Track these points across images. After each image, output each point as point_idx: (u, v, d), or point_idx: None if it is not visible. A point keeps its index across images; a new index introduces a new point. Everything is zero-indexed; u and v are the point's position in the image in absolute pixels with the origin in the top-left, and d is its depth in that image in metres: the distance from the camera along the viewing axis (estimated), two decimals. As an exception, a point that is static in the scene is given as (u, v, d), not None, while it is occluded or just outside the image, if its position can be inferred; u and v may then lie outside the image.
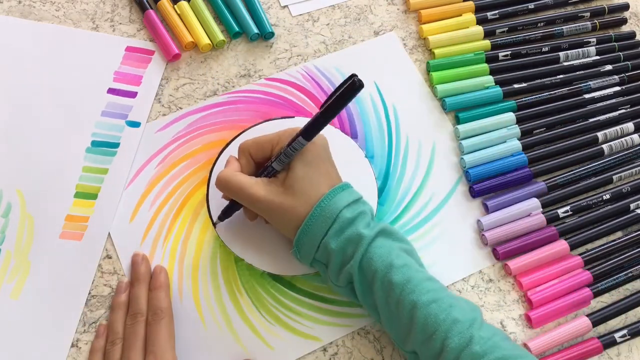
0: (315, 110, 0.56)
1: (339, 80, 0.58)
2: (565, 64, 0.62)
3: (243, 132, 0.53)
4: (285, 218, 0.44)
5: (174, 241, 0.50)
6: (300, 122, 0.45)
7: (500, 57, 0.61)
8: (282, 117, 0.55)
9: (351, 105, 0.57)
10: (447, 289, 0.43)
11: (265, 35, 0.59)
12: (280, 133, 0.46)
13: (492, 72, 0.60)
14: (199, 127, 0.55)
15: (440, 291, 0.42)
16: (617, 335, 0.49)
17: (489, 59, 0.60)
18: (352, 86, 0.40)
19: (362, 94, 0.56)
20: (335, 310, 0.48)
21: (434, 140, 0.56)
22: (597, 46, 0.63)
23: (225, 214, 0.48)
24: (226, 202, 0.48)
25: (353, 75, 0.39)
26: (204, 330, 0.47)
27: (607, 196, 0.55)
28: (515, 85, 0.59)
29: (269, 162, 0.45)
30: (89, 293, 0.48)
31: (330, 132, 0.51)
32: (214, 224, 0.49)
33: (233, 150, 0.51)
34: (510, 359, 0.38)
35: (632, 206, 0.55)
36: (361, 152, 0.54)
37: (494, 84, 0.59)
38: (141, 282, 0.47)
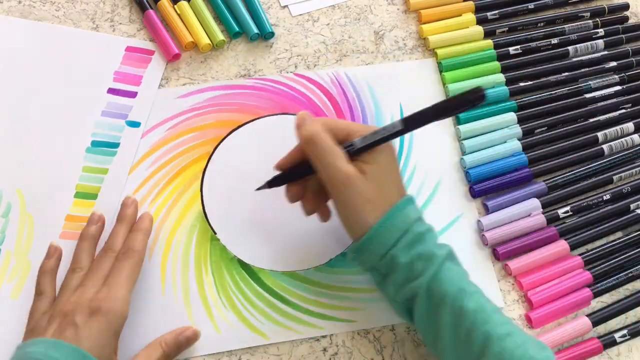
0: (334, 115, 0.56)
1: (366, 94, 0.58)
2: (575, 59, 0.62)
3: (240, 126, 0.53)
4: (359, 209, 0.40)
5: (160, 205, 0.51)
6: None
7: (511, 53, 0.61)
8: (287, 114, 0.55)
9: (371, 121, 0.57)
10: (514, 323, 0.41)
11: (265, 35, 0.59)
12: (361, 125, 0.43)
13: (502, 70, 0.60)
14: (217, 104, 0.56)
15: (512, 325, 0.40)
16: (617, 335, 0.49)
17: (500, 56, 0.61)
18: (476, 93, 0.38)
19: (384, 113, 0.57)
20: (290, 314, 0.48)
21: (441, 176, 0.55)
22: (605, 39, 0.63)
23: (275, 182, 0.45)
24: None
25: (479, 88, 0.39)
26: (160, 295, 0.47)
27: (607, 196, 0.55)
28: (521, 84, 0.59)
29: (360, 137, 0.41)
30: (89, 293, 0.48)
31: None
32: (260, 188, 0.46)
33: (228, 145, 0.51)
34: None
35: (632, 206, 0.55)
36: None
37: (504, 81, 0.59)
38: (125, 222, 0.48)
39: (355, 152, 0.41)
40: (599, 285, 0.51)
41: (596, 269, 0.52)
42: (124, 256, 0.45)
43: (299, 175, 0.44)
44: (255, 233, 0.49)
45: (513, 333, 0.39)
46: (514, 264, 0.51)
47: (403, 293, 0.41)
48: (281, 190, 0.46)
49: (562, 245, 0.52)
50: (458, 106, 0.40)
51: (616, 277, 0.51)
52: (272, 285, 0.49)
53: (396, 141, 0.55)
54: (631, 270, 0.52)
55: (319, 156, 0.40)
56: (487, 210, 0.53)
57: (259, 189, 0.46)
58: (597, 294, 0.51)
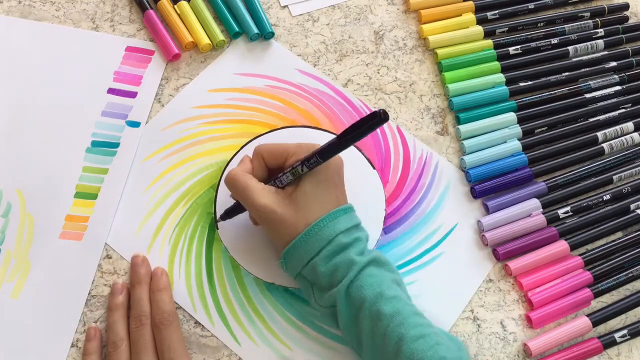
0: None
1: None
2: (575, 59, 0.62)
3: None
4: (282, 230, 0.43)
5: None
6: (324, 137, 0.45)
7: (511, 53, 0.61)
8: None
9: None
10: (435, 325, 0.42)
11: (265, 35, 0.59)
12: (298, 145, 0.45)
13: (502, 70, 0.60)
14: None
15: (428, 327, 0.41)
16: (617, 335, 0.49)
17: (500, 56, 0.61)
18: (373, 117, 0.39)
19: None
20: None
21: (448, 181, 0.55)
22: (605, 39, 0.63)
23: (229, 214, 0.48)
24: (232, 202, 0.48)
25: (380, 110, 0.39)
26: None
27: (608, 197, 0.55)
28: (521, 84, 0.59)
29: (281, 173, 0.45)
30: (89, 293, 0.48)
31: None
32: (216, 222, 0.49)
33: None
34: None
35: (632, 207, 0.55)
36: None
37: (504, 80, 0.59)
38: (142, 283, 0.47)
39: (283, 186, 0.45)
40: (599, 285, 0.51)
41: (596, 269, 0.52)
42: (164, 322, 0.45)
43: (241, 209, 0.47)
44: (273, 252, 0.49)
45: (427, 335, 0.40)
46: (514, 264, 0.51)
47: (325, 300, 0.43)
48: None
49: (562, 245, 0.52)
50: (361, 130, 0.41)
51: (616, 277, 0.51)
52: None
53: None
54: (631, 270, 0.52)
55: (240, 195, 0.44)
56: (488, 211, 0.53)
57: (217, 221, 0.49)
58: (597, 294, 0.51)
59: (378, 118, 0.39)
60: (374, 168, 0.53)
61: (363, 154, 0.53)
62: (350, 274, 0.42)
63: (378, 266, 0.43)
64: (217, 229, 0.49)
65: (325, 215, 0.43)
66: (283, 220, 0.43)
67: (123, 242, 0.49)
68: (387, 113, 0.39)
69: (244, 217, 0.49)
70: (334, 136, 0.43)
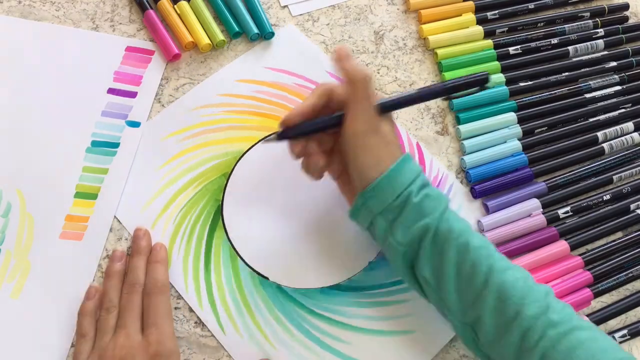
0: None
1: None
2: (575, 59, 0.62)
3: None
4: (382, 151, 0.43)
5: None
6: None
7: (511, 52, 0.61)
8: None
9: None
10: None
11: (265, 35, 0.59)
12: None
13: (502, 70, 0.60)
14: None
15: (511, 262, 0.42)
16: (617, 336, 0.49)
17: (500, 56, 0.61)
18: (482, 78, 0.43)
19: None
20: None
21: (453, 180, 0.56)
22: (605, 39, 0.63)
23: (289, 132, 0.44)
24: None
25: (487, 73, 0.43)
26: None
27: (608, 197, 0.55)
28: (521, 84, 0.59)
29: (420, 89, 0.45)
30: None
31: None
32: (278, 136, 0.44)
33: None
34: (583, 329, 0.38)
35: (632, 207, 0.55)
36: None
37: (504, 80, 0.59)
38: (141, 254, 0.48)
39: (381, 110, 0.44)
40: (599, 285, 0.51)
41: (596, 269, 0.52)
42: (155, 291, 0.45)
43: (323, 126, 0.44)
44: (277, 249, 0.49)
45: (514, 268, 0.41)
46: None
47: (411, 233, 0.42)
48: (306, 203, 0.49)
49: (562, 245, 0.52)
50: (467, 84, 0.44)
51: (616, 277, 0.51)
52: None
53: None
54: (631, 270, 0.52)
55: (366, 97, 0.43)
56: (488, 211, 0.53)
57: (266, 141, 0.45)
58: (597, 294, 0.51)
59: (484, 78, 0.43)
60: None
61: None
62: (440, 207, 0.42)
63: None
64: (279, 139, 0.44)
65: (406, 153, 0.44)
66: (387, 138, 0.43)
67: (130, 215, 0.50)
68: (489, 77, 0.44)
69: (253, 208, 0.50)
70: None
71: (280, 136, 0.44)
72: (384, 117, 0.44)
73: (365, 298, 0.49)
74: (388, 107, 0.45)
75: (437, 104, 0.58)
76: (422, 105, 0.58)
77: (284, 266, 0.49)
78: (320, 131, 0.45)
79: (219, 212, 0.51)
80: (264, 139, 0.45)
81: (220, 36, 0.57)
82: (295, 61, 0.58)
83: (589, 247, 0.53)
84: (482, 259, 0.41)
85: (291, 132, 0.44)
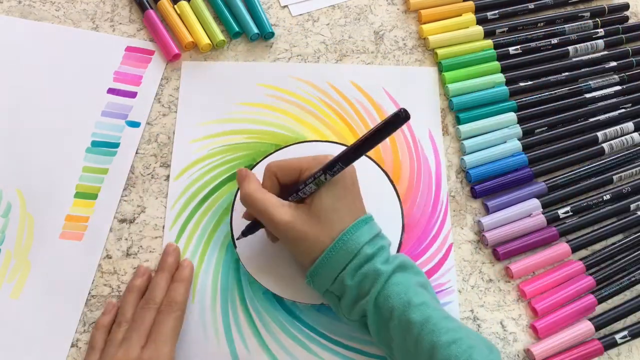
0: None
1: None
2: (575, 59, 0.62)
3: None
4: (306, 247, 0.43)
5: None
6: (335, 150, 0.44)
7: (511, 53, 0.61)
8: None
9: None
10: (466, 326, 0.43)
11: (265, 35, 0.59)
12: (313, 158, 0.44)
13: (502, 70, 0.60)
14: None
15: (459, 331, 0.41)
16: (617, 337, 0.49)
17: (500, 56, 0.61)
18: (397, 117, 0.38)
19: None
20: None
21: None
22: (605, 39, 0.63)
23: (249, 230, 0.47)
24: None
25: (401, 110, 0.38)
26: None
27: (608, 196, 0.55)
28: (521, 84, 0.59)
29: (300, 186, 0.43)
30: (89, 293, 0.48)
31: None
32: (234, 241, 0.49)
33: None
34: None
35: (632, 207, 0.55)
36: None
37: (504, 80, 0.59)
38: (165, 271, 0.47)
39: (301, 200, 0.44)
40: (602, 291, 0.51)
41: (598, 273, 0.51)
42: (167, 309, 0.45)
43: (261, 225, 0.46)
44: (293, 269, 0.48)
45: (459, 340, 0.39)
46: (516, 267, 0.51)
47: (354, 312, 0.43)
48: None
49: (563, 247, 0.52)
50: (385, 130, 0.40)
51: (619, 282, 0.51)
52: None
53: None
54: (634, 274, 0.52)
55: (257, 213, 0.44)
56: (488, 211, 0.53)
57: (237, 239, 0.48)
58: (601, 300, 0.50)
59: (399, 118, 0.38)
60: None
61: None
62: (377, 285, 0.41)
63: (403, 271, 0.43)
64: (236, 247, 0.48)
65: (348, 228, 0.42)
66: (305, 237, 0.42)
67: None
68: (407, 112, 0.38)
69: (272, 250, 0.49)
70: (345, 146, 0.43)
71: (243, 235, 0.48)
72: (315, 195, 0.43)
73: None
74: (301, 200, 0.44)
75: (436, 104, 0.58)
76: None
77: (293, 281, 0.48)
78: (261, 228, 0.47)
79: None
80: (237, 238, 0.48)
81: (220, 36, 0.57)
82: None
83: (590, 250, 0.53)
84: (425, 336, 0.39)
85: (247, 233, 0.47)
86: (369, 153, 0.49)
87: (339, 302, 0.44)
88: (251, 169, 0.51)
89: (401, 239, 0.50)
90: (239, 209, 0.49)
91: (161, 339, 0.43)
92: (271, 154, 0.53)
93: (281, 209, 0.43)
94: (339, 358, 0.47)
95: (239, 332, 0.47)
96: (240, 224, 0.48)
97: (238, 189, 0.50)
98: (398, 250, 0.50)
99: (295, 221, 0.42)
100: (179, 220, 0.51)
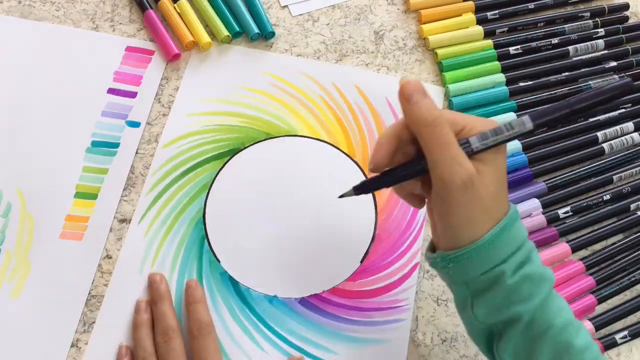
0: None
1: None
2: (575, 59, 0.62)
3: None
4: (474, 217, 0.34)
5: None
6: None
7: (512, 52, 0.61)
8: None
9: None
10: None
11: (266, 35, 0.59)
12: (474, 118, 0.36)
13: (503, 69, 0.60)
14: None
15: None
16: (617, 337, 0.49)
17: (500, 56, 0.61)
18: (626, 85, 0.34)
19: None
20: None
21: None
22: (605, 39, 0.63)
23: (371, 185, 0.38)
24: None
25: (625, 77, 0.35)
26: None
27: (608, 197, 0.55)
28: (522, 83, 0.59)
29: (469, 137, 0.34)
30: (89, 293, 0.48)
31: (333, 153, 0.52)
32: (356, 191, 0.39)
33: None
34: None
35: (632, 207, 0.55)
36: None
37: (505, 80, 0.59)
38: (165, 299, 0.46)
39: (472, 153, 0.35)
40: (603, 291, 0.51)
41: (598, 273, 0.51)
42: (202, 333, 0.44)
43: (404, 177, 0.37)
44: (260, 259, 0.49)
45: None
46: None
47: (498, 316, 0.35)
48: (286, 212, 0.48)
49: (563, 248, 0.52)
50: (604, 98, 0.34)
51: (620, 282, 0.51)
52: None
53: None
54: (634, 274, 0.52)
55: (441, 146, 0.33)
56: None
57: (342, 195, 0.40)
58: (601, 300, 0.50)
59: (629, 85, 0.34)
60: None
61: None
62: (541, 294, 0.34)
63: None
64: (357, 193, 0.39)
65: (512, 212, 0.35)
66: (482, 202, 0.33)
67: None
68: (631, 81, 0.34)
69: (245, 242, 0.49)
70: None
71: (358, 191, 0.39)
72: (487, 160, 0.34)
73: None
74: (479, 151, 0.35)
75: (436, 104, 0.58)
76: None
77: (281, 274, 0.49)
78: (402, 181, 0.38)
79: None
80: (342, 195, 0.40)
81: (224, 32, 0.57)
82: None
83: (590, 250, 0.53)
84: None
85: (368, 188, 0.38)
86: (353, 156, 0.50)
87: (474, 297, 0.36)
88: (237, 153, 0.52)
89: (368, 248, 0.50)
90: (216, 191, 0.50)
91: None
92: (260, 141, 0.53)
93: (465, 159, 0.33)
94: (280, 353, 0.47)
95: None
96: (214, 205, 0.49)
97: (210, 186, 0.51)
98: (362, 260, 0.50)
99: (479, 180, 0.33)
100: (158, 187, 0.51)
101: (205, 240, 0.50)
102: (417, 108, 0.34)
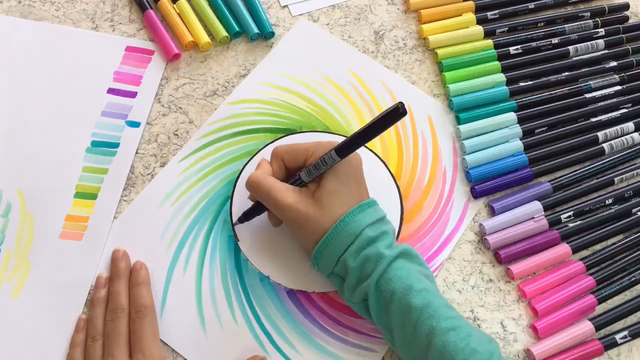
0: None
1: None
2: (575, 59, 0.62)
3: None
4: (309, 229, 0.43)
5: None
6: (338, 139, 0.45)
7: (512, 52, 0.61)
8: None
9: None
10: (464, 318, 0.42)
11: (265, 35, 0.59)
12: (317, 144, 0.46)
13: (503, 69, 0.60)
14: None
15: (458, 319, 0.41)
16: (617, 337, 0.49)
17: (500, 56, 0.61)
18: (395, 112, 0.39)
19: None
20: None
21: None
22: (605, 39, 0.63)
23: (247, 216, 0.48)
24: (249, 204, 0.48)
25: (399, 103, 0.39)
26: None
27: (609, 201, 0.55)
28: (522, 83, 0.59)
29: (300, 172, 0.45)
30: (89, 293, 0.48)
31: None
32: (233, 225, 0.49)
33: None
34: None
35: (634, 210, 0.55)
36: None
37: (505, 80, 0.59)
38: (121, 277, 0.47)
39: (304, 184, 0.45)
40: (603, 291, 0.51)
41: (598, 273, 0.51)
42: (139, 316, 0.45)
43: (264, 209, 0.47)
44: (295, 258, 0.48)
45: (458, 327, 0.40)
46: (516, 268, 0.51)
47: (356, 295, 0.43)
48: None
49: (564, 248, 0.52)
50: (380, 125, 0.41)
51: (620, 282, 0.51)
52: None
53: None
54: (634, 274, 0.52)
55: (264, 197, 0.45)
56: (493, 212, 0.53)
57: (235, 223, 0.49)
58: (601, 300, 0.50)
59: (397, 112, 0.39)
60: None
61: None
62: (379, 268, 0.42)
63: (406, 259, 0.43)
64: (237, 238, 0.48)
65: (350, 210, 0.43)
66: (308, 219, 0.43)
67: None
68: (404, 107, 0.39)
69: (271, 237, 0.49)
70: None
71: (240, 221, 0.48)
72: (320, 179, 0.44)
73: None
74: (307, 182, 0.45)
75: (436, 104, 0.58)
76: (422, 105, 0.58)
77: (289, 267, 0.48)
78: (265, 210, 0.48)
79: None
80: (235, 223, 0.49)
81: (223, 32, 0.57)
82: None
83: (590, 250, 0.53)
84: (424, 320, 0.40)
85: (245, 219, 0.48)
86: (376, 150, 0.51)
87: (342, 284, 0.44)
88: (291, 134, 0.53)
89: (399, 229, 0.50)
90: (238, 196, 0.50)
91: (146, 346, 0.44)
92: (316, 131, 0.54)
93: (285, 192, 0.44)
94: (249, 329, 0.47)
95: (211, 268, 0.49)
96: (240, 206, 0.49)
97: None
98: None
99: (299, 204, 0.43)
100: (209, 137, 0.54)
101: (229, 201, 0.50)
102: (249, 178, 0.45)
